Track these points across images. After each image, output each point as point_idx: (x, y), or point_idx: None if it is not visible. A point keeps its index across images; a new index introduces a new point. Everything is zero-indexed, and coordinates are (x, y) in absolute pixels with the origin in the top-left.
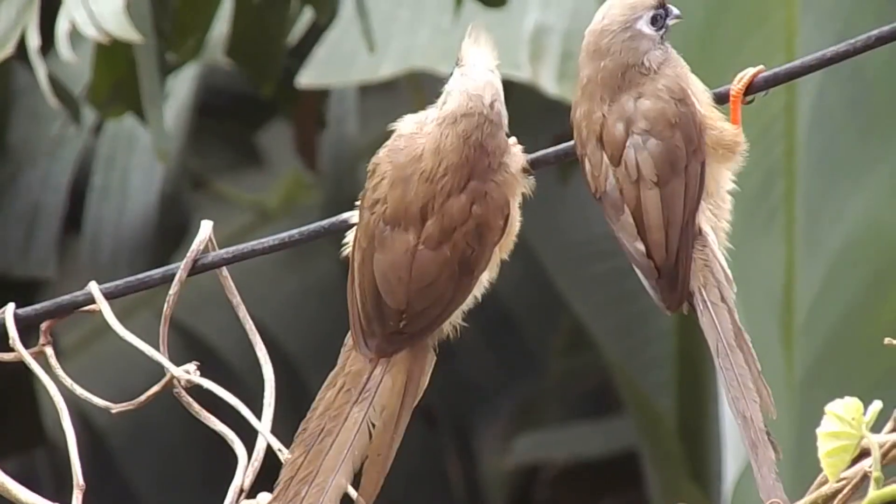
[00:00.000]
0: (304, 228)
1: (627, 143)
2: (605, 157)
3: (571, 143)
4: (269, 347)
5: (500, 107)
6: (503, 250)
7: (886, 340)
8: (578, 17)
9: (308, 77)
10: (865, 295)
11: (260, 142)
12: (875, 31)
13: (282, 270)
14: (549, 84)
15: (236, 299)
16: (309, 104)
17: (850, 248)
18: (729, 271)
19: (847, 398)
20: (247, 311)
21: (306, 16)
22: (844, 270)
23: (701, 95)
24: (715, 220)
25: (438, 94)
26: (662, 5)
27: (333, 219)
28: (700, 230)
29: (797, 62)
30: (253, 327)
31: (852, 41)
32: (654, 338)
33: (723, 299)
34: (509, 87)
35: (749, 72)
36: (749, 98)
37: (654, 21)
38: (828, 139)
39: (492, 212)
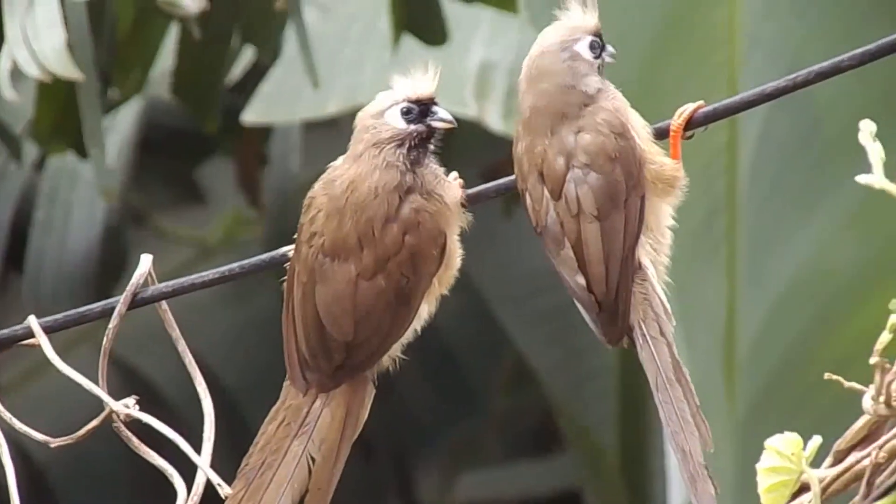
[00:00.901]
0: (244, 262)
1: (568, 177)
2: (546, 192)
3: (512, 177)
4: (208, 382)
5: (393, 118)
6: (443, 284)
7: (827, 375)
8: (523, 54)
9: (253, 114)
10: (811, 331)
11: (201, 177)
12: (815, 67)
13: (221, 305)
14: (495, 121)
15: (176, 333)
16: (251, 140)
17: (797, 285)
18: (668, 305)
19: (787, 433)
20: (186, 346)
21: (249, 52)
22: (790, 306)
23: (640, 130)
24: (654, 255)
25: None
26: (599, 35)
27: (274, 252)
28: (640, 264)
29: (736, 98)
30: (192, 361)
31: (792, 77)
32: (596, 373)
33: (662, 333)
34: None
35: (689, 107)
36: (689, 133)
37: (592, 47)
38: (774, 175)
39: (425, 241)
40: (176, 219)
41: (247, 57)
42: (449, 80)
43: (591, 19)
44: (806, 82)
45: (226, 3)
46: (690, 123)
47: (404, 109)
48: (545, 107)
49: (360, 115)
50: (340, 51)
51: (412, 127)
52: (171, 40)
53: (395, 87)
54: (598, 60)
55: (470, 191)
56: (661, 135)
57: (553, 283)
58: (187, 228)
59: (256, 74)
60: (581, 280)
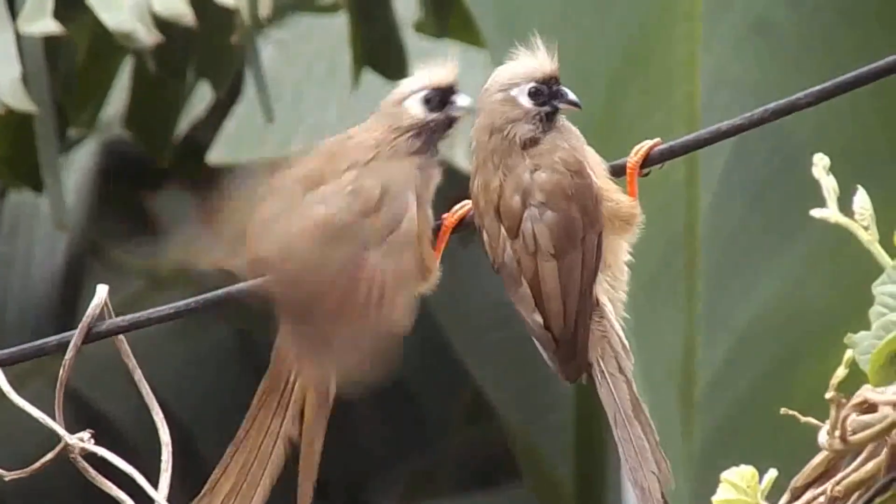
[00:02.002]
0: (200, 297)
1: (525, 216)
2: (503, 229)
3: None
4: (164, 416)
5: (413, 106)
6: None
7: (783, 410)
8: None
9: (217, 154)
10: (771, 370)
11: (155, 208)
12: (772, 105)
13: (175, 338)
14: (462, 159)
15: (132, 363)
16: (211, 174)
17: (759, 324)
18: (626, 342)
19: (743, 466)
20: (144, 380)
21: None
22: (751, 345)
23: (597, 167)
24: (612, 292)
25: None
26: (548, 82)
27: (230, 287)
28: (597, 301)
29: (692, 136)
30: (149, 391)
31: (748, 115)
32: (554, 405)
33: (621, 370)
34: None
35: (645, 144)
36: (646, 171)
37: (532, 94)
38: (738, 214)
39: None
40: (130, 250)
41: (208, 92)
42: None
43: (543, 65)
44: (762, 120)
45: (181, 37)
46: (647, 161)
47: (426, 97)
48: (490, 147)
49: (382, 102)
50: (305, 89)
51: (431, 116)
52: (126, 75)
53: (415, 77)
54: (541, 108)
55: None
56: (618, 172)
57: (511, 315)
58: (140, 260)
59: (223, 111)
60: (538, 318)
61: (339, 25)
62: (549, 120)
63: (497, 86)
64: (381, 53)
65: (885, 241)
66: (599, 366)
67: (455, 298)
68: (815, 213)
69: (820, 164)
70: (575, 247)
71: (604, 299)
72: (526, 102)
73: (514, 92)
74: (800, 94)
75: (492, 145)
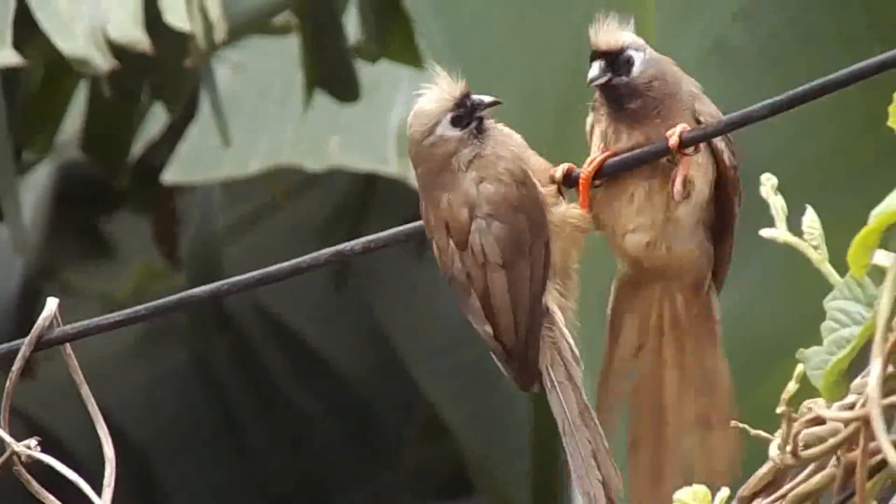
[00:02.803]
0: (150, 304)
1: (472, 228)
2: (452, 242)
3: (421, 222)
4: (116, 436)
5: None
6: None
7: (733, 423)
8: None
9: (173, 174)
10: None
11: (110, 231)
12: (726, 118)
13: (133, 363)
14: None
15: (79, 378)
16: (167, 195)
17: None
18: (576, 350)
19: (695, 485)
20: (91, 395)
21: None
22: None
23: (541, 174)
24: (562, 300)
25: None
26: (463, 103)
27: (183, 294)
28: (547, 309)
29: (645, 148)
30: (95, 406)
31: (702, 128)
32: (511, 427)
33: (570, 378)
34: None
35: (597, 157)
36: (598, 182)
37: (455, 121)
38: None
39: None
40: (85, 273)
41: (163, 114)
42: (371, 138)
43: (450, 90)
44: (716, 132)
45: (136, 61)
46: (600, 172)
47: (454, 119)
48: (429, 185)
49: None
50: (262, 108)
51: (465, 131)
52: (81, 98)
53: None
54: (469, 127)
55: (382, 234)
56: (571, 183)
57: (468, 336)
58: (96, 282)
59: (175, 130)
60: (489, 329)
61: (294, 46)
62: (481, 132)
63: (420, 133)
64: (332, 75)
65: (840, 260)
66: (549, 374)
67: (412, 319)
68: (765, 232)
69: (768, 183)
70: (523, 257)
71: (553, 307)
72: (453, 132)
73: (438, 130)
74: (755, 107)
75: (439, 179)
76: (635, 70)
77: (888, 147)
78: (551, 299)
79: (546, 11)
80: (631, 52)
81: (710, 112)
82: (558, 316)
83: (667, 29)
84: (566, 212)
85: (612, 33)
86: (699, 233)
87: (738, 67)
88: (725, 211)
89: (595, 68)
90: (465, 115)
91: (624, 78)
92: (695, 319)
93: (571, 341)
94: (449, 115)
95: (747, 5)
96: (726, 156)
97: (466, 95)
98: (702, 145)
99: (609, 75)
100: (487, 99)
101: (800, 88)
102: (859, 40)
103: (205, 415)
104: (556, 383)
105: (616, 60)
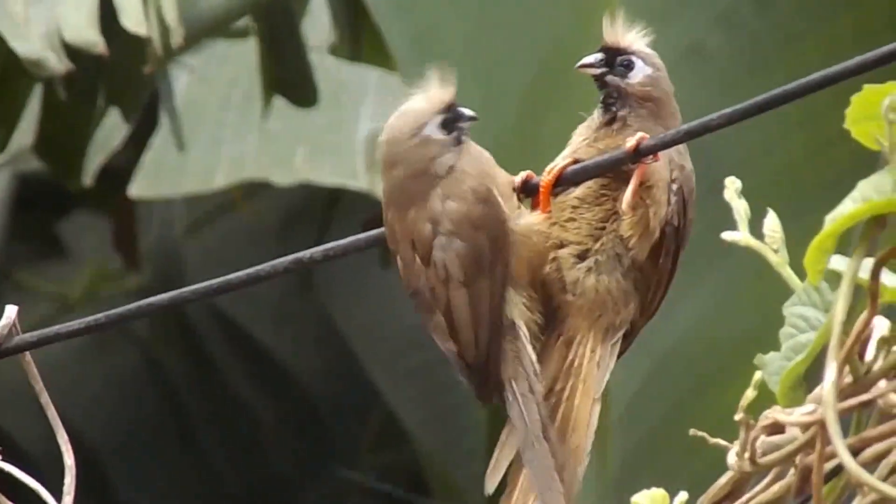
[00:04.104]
0: (110, 312)
1: (435, 244)
2: (417, 258)
3: (382, 229)
4: (71, 439)
5: (434, 131)
6: None
7: (692, 431)
8: None
9: (139, 188)
10: (689, 396)
11: (64, 232)
12: (685, 126)
13: (82, 362)
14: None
15: (39, 385)
16: (126, 200)
17: (677, 350)
18: (538, 365)
19: (654, 489)
20: (50, 402)
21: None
22: (669, 371)
23: (506, 188)
24: (528, 313)
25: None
26: (451, 109)
27: (141, 301)
28: (512, 323)
29: (606, 155)
30: (55, 413)
31: (660, 136)
32: (468, 429)
33: (531, 391)
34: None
35: (558, 164)
36: (558, 189)
37: (442, 125)
38: None
39: None
40: (39, 274)
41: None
42: (339, 151)
43: (443, 94)
44: (674, 141)
45: (91, 64)
46: (560, 180)
47: (443, 122)
48: (401, 193)
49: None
50: (223, 118)
51: (450, 136)
52: (35, 101)
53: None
54: (453, 134)
55: (342, 242)
56: (531, 191)
57: (424, 340)
58: (50, 283)
59: (140, 139)
60: (452, 346)
61: (253, 51)
62: (459, 143)
63: (407, 131)
64: (290, 80)
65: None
66: (511, 386)
67: (369, 322)
68: (726, 235)
69: (731, 187)
70: (484, 274)
71: (518, 321)
72: (439, 135)
73: (426, 131)
74: (713, 115)
75: (413, 185)
76: (632, 76)
77: (861, 156)
78: (517, 313)
79: (508, 13)
80: (633, 58)
81: (685, 165)
82: (523, 330)
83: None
84: (531, 221)
85: (622, 32)
86: (632, 274)
87: (714, 72)
88: (660, 268)
89: (591, 56)
90: (451, 121)
91: (618, 79)
92: (594, 367)
93: (534, 356)
94: (439, 118)
95: (727, 10)
96: (671, 208)
97: (454, 103)
98: (663, 186)
99: (603, 69)
100: (468, 112)
101: (760, 97)
102: (841, 47)
103: (159, 418)
104: (518, 395)
105: (616, 59)
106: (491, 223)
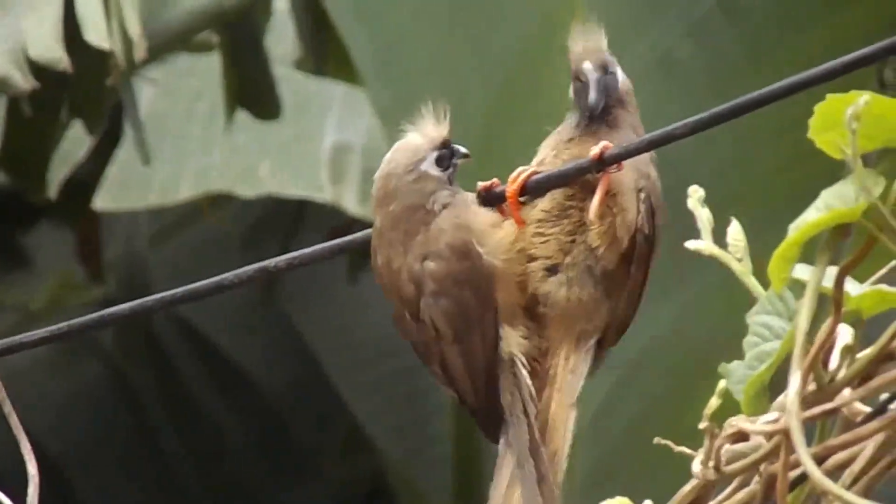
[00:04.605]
0: (73, 321)
1: (422, 304)
2: (407, 314)
3: (347, 238)
4: (34, 449)
5: (430, 167)
6: None
7: (656, 440)
8: (375, 134)
9: (104, 201)
10: (656, 403)
11: (27, 243)
12: (647, 136)
13: (49, 377)
14: (352, 204)
15: (2, 395)
16: (90, 212)
17: (646, 359)
18: (533, 390)
19: (618, 497)
20: (14, 413)
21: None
22: (637, 379)
23: (486, 228)
24: (524, 342)
25: None
26: (447, 145)
27: (103, 311)
28: (511, 357)
29: (569, 164)
30: (18, 423)
31: (623, 145)
32: (433, 439)
33: (525, 413)
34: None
35: (522, 173)
36: (523, 198)
37: (439, 161)
38: None
39: None
40: (2, 285)
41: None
42: (304, 165)
43: (439, 130)
44: (638, 151)
45: (55, 78)
46: (525, 189)
47: (438, 158)
48: (393, 228)
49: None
50: (187, 130)
51: (447, 172)
52: None
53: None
54: (448, 171)
55: (307, 250)
56: (492, 198)
57: (391, 349)
58: (12, 294)
59: (105, 151)
60: (453, 393)
61: (218, 64)
62: (451, 182)
63: (403, 166)
64: (253, 93)
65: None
66: (508, 411)
67: (335, 333)
68: (690, 244)
69: (695, 196)
70: (474, 328)
71: (516, 353)
72: (436, 171)
73: (423, 167)
74: (677, 125)
75: (406, 221)
76: (620, 76)
77: (832, 167)
78: (515, 347)
79: (474, 26)
80: (614, 59)
81: (650, 173)
82: (519, 359)
83: (610, 40)
84: (506, 245)
85: (597, 38)
86: (604, 282)
87: (684, 83)
88: (633, 275)
89: (588, 64)
90: (447, 157)
91: (612, 78)
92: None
93: (530, 383)
94: (435, 154)
95: (697, 21)
96: (640, 216)
97: (448, 140)
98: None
99: (600, 73)
100: (462, 149)
101: (723, 107)
102: (812, 59)
103: (124, 429)
104: (512, 416)
105: (603, 63)
106: (474, 276)
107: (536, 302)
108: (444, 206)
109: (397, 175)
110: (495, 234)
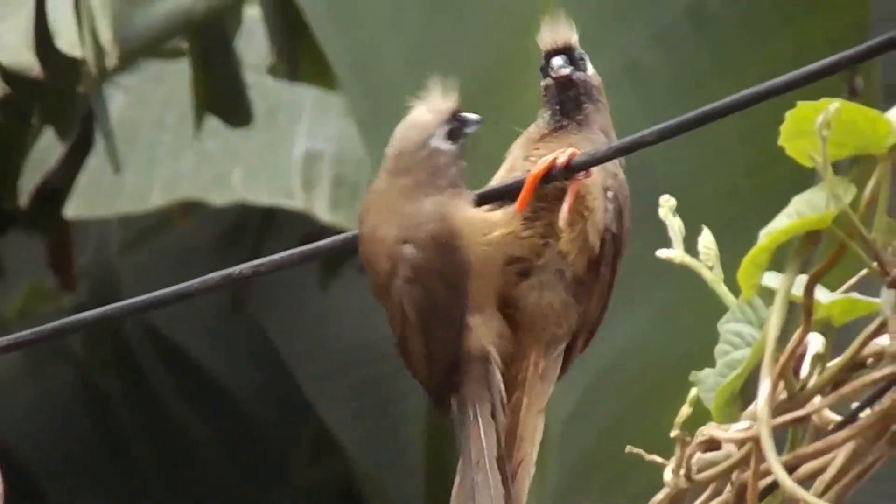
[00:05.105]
0: (37, 329)
1: (394, 284)
2: (381, 280)
3: (313, 245)
4: (3, 456)
5: (440, 142)
6: None
7: (628, 448)
8: (346, 142)
9: (75, 208)
10: (627, 411)
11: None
12: (616, 142)
13: (20, 384)
14: (323, 212)
15: None
16: (61, 219)
17: (617, 366)
18: (504, 394)
19: None
20: None
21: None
22: (608, 387)
23: (475, 221)
24: (497, 338)
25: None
26: (456, 117)
27: (70, 318)
28: (483, 351)
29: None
30: None
31: (592, 151)
32: (404, 448)
33: (494, 417)
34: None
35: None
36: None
37: (449, 135)
38: None
39: None
40: None
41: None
42: (275, 171)
43: (448, 103)
44: (605, 158)
45: (26, 85)
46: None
47: (449, 132)
48: (396, 194)
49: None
50: (158, 138)
51: (458, 144)
52: None
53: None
54: (459, 142)
55: (274, 257)
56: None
57: (362, 357)
58: None
59: (76, 159)
60: (409, 371)
61: (188, 71)
62: (462, 155)
63: (414, 143)
64: (223, 99)
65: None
66: (474, 408)
67: (305, 340)
68: (661, 253)
69: (666, 205)
70: (440, 323)
71: (489, 347)
72: (447, 146)
73: (433, 142)
74: (645, 132)
75: (413, 194)
76: (589, 69)
77: (802, 174)
78: (486, 340)
79: (449, 32)
80: (581, 51)
81: (618, 174)
82: (493, 355)
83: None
84: (492, 235)
85: (565, 30)
86: (573, 286)
87: (651, 90)
88: (601, 276)
89: (559, 60)
90: (457, 129)
91: (582, 74)
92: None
93: (502, 386)
94: (445, 128)
95: (664, 28)
96: (608, 215)
97: (457, 110)
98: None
99: (571, 68)
100: (472, 116)
101: (692, 113)
102: (780, 67)
103: (93, 436)
104: (479, 419)
105: (573, 56)
106: (450, 272)
107: (507, 305)
108: (449, 187)
109: (408, 152)
110: (480, 231)
